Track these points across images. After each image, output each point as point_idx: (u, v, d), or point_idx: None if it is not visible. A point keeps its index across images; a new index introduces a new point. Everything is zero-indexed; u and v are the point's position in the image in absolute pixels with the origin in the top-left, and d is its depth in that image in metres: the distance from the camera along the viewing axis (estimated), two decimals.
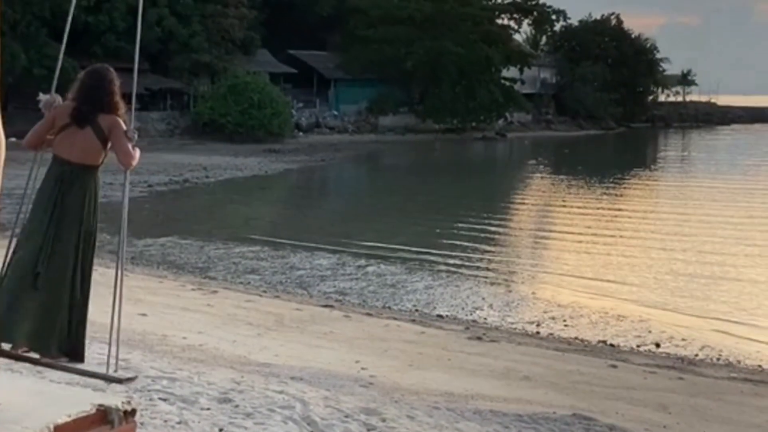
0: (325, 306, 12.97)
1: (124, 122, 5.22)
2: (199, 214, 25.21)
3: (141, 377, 6.37)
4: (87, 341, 6.94)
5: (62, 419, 3.24)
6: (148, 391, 6.12)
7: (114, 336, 4.82)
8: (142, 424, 4.98)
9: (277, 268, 16.70)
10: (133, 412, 3.35)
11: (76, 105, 5.18)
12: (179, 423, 5.47)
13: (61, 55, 5.27)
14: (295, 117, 54.76)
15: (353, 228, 23.03)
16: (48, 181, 5.12)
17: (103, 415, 3.28)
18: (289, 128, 51.68)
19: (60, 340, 4.95)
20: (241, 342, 9.34)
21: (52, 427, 3.21)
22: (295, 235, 20.73)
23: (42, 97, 5.36)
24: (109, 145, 5.23)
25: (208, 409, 5.90)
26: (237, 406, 6.05)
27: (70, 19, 5.31)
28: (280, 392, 6.54)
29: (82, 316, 5.07)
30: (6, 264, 5.03)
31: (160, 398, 5.97)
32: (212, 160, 38.46)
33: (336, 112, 60.33)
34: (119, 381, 4.92)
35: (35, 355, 4.94)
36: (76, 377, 5.31)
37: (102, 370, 4.84)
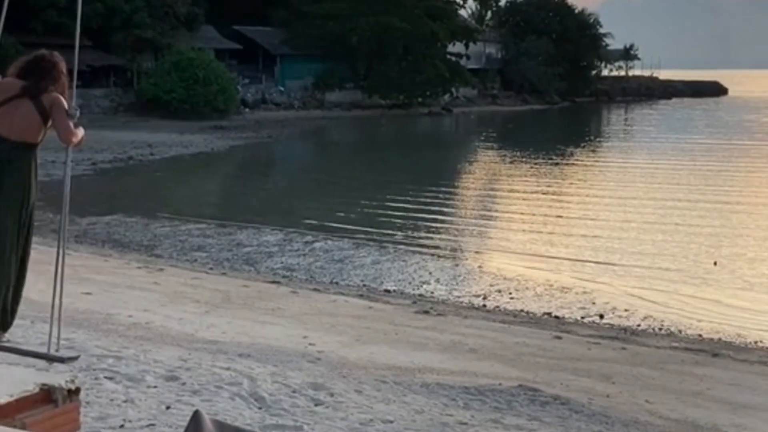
0: (273, 282, 12.94)
1: (66, 101, 5.16)
2: (144, 192, 24.94)
3: (86, 356, 6.31)
4: (29, 321, 6.87)
5: (4, 399, 3.20)
6: (93, 370, 6.06)
7: (56, 315, 4.80)
8: (87, 403, 4.94)
9: (224, 245, 16.60)
10: (78, 390, 3.32)
11: (28, 81, 5.12)
12: (125, 401, 5.44)
13: None
14: (241, 93, 54.27)
15: (300, 204, 22.99)
16: None
17: (47, 394, 3.24)
18: (235, 105, 51.24)
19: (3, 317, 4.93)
20: (188, 320, 9.29)
21: None
22: (242, 212, 20.62)
23: None
24: (50, 123, 5.16)
25: (155, 387, 5.87)
26: (184, 383, 6.02)
27: None
28: (228, 369, 6.53)
29: (18, 292, 5.04)
30: None
31: (105, 377, 5.92)
32: (157, 138, 37.96)
33: (282, 88, 59.89)
34: (61, 360, 4.90)
35: None
36: (19, 357, 5.24)
37: (44, 349, 4.79)
